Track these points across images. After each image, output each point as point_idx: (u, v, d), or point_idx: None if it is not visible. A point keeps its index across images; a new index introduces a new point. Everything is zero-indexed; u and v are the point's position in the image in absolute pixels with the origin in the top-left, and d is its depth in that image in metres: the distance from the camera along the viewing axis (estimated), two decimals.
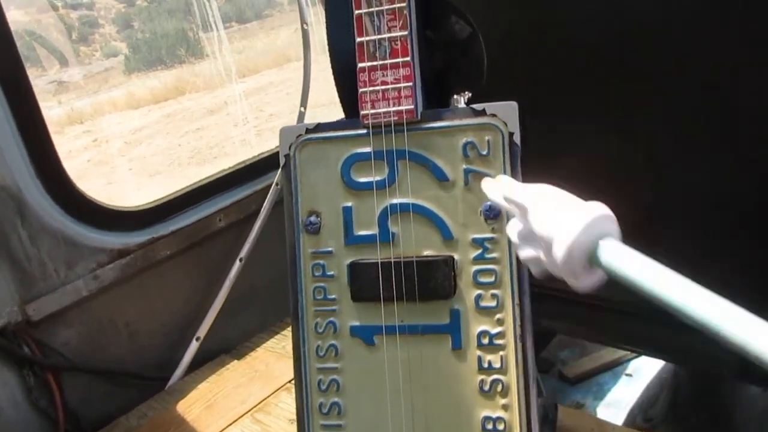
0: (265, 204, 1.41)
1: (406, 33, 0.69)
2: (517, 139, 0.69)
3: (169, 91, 6.28)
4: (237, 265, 1.39)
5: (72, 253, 1.19)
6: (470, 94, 0.73)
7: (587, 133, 0.83)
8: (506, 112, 0.69)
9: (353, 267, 0.73)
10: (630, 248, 0.46)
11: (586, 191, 0.51)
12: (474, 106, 0.70)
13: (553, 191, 0.52)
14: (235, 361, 1.33)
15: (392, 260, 0.71)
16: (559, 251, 0.48)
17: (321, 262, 0.75)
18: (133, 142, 5.64)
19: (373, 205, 0.72)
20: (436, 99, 0.74)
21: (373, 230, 0.73)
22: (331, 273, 0.75)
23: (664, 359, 1.48)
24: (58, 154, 1.20)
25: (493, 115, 0.69)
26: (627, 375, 1.64)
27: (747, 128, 0.74)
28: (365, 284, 0.72)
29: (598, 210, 0.48)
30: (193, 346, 1.34)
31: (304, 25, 1.44)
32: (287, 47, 6.30)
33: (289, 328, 1.43)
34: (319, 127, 0.75)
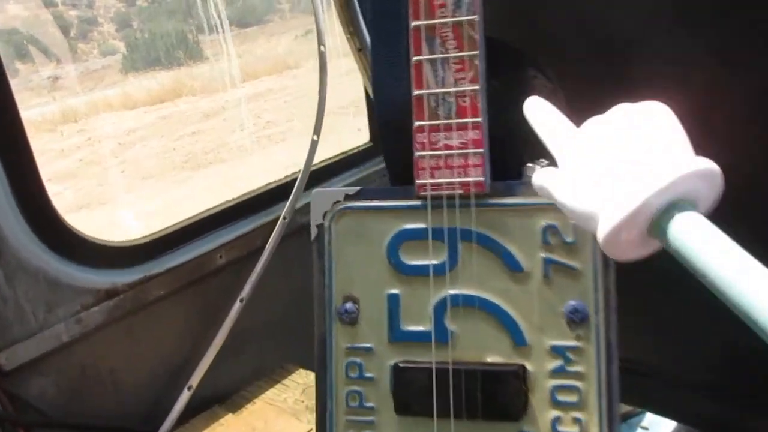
0: (270, 239, 1.29)
1: (477, 87, 0.56)
2: None
3: (165, 93, 6.22)
4: (237, 306, 1.28)
5: (53, 294, 1.08)
6: (547, 163, 0.60)
7: None
8: None
9: (398, 370, 0.60)
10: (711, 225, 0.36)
11: None
12: None
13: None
14: (230, 414, 1.22)
15: (450, 366, 0.58)
16: (614, 216, 0.38)
17: (358, 360, 0.62)
18: (127, 143, 5.54)
19: (427, 295, 0.59)
20: (501, 167, 0.61)
21: (426, 326, 0.60)
22: (370, 375, 0.62)
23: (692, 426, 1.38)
24: (42, 180, 1.08)
25: None
26: (643, 428, 1.54)
27: None
28: (413, 393, 0.59)
29: (681, 169, 0.37)
30: (185, 396, 1.22)
31: (321, 47, 1.31)
32: (287, 54, 6.24)
33: (291, 377, 1.33)
34: (361, 194, 0.61)
